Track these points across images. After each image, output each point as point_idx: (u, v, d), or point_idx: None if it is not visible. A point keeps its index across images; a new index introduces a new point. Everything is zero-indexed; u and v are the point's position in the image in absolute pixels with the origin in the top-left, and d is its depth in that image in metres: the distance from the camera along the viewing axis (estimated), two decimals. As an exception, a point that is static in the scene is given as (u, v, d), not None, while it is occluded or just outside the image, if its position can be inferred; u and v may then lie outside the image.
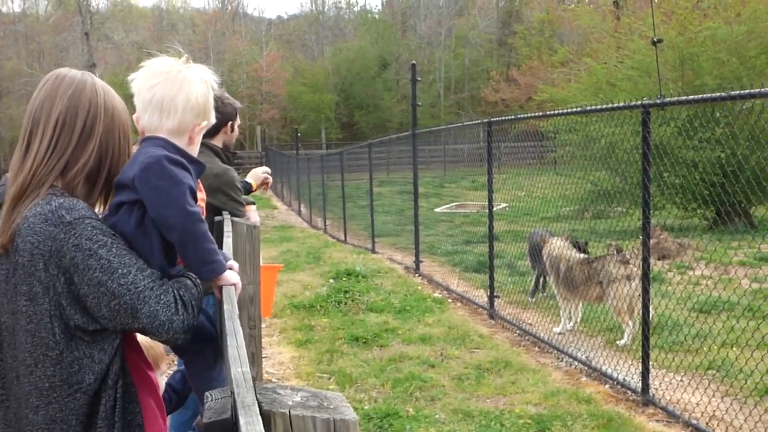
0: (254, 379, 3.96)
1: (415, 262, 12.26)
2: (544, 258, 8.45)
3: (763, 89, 4.90)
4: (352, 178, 21.31)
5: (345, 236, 17.69)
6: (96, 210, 2.08)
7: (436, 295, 10.00)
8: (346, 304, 9.10)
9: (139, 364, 2.09)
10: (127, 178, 2.02)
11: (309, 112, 52.90)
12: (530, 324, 8.39)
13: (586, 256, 8.26)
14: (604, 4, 37.64)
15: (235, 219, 3.89)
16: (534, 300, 9.57)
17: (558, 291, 8.20)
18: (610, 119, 15.03)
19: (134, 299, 1.88)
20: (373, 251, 14.62)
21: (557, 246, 8.41)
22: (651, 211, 6.06)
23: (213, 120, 2.26)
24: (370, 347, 7.40)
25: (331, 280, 10.30)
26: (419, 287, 10.52)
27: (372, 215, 15.42)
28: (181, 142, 2.11)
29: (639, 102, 6.11)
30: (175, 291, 1.97)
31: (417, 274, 11.85)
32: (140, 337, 2.14)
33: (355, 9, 71.65)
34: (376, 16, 66.80)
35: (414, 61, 13.74)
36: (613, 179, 16.97)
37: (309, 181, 25.13)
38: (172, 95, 2.08)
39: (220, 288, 2.18)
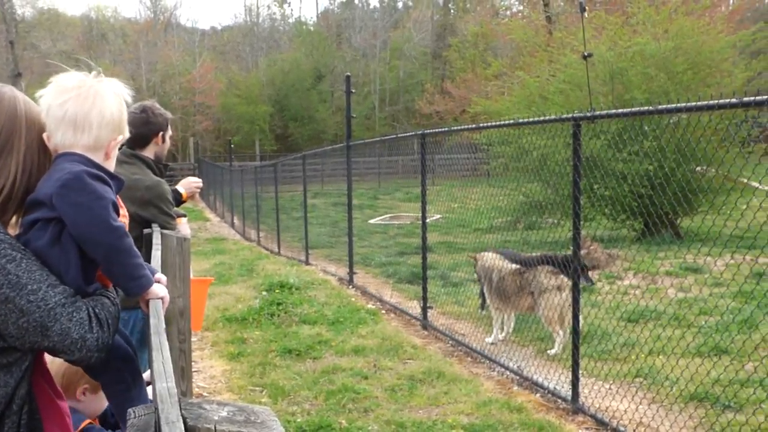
0: (184, 394, 3.90)
1: (348, 273, 12.25)
2: (478, 269, 8.51)
3: (689, 104, 5.04)
4: (287, 190, 21.22)
5: (279, 248, 17.58)
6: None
7: (369, 306, 10.01)
8: (279, 316, 9.04)
9: (46, 391, 2.01)
10: (43, 195, 1.94)
11: (243, 123, 52.52)
12: (463, 334, 8.46)
13: (518, 266, 8.34)
14: (537, 18, 38.25)
15: (165, 232, 3.84)
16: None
17: (491, 301, 8.28)
18: (543, 132, 15.30)
19: (44, 316, 1.81)
20: (307, 263, 14.56)
21: (490, 257, 8.51)
22: (581, 222, 6.18)
23: (127, 134, 2.21)
24: (303, 359, 7.37)
25: (264, 293, 10.21)
26: (353, 299, 10.51)
27: (306, 227, 15.36)
28: (97, 158, 2.06)
29: (570, 115, 6.23)
30: (90, 308, 1.90)
31: (351, 286, 11.84)
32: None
33: (290, 20, 71.55)
34: (311, 27, 66.71)
35: (349, 73, 13.78)
36: (545, 191, 17.22)
37: (242, 193, 24.93)
38: (85, 111, 2.02)
39: (147, 302, 2.14)
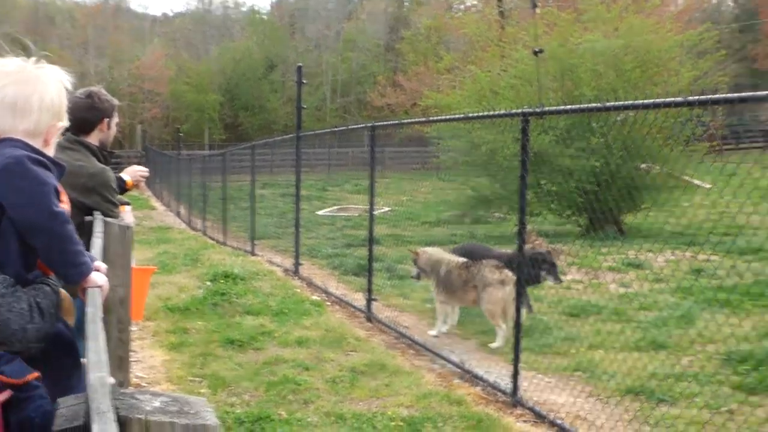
0: (121, 384, 3.87)
1: (294, 264, 12.22)
2: (422, 263, 8.52)
3: (636, 102, 5.14)
4: (235, 180, 21.06)
5: (225, 238, 17.46)
6: None
7: (314, 297, 10.00)
8: (222, 306, 8.98)
9: None
10: None
11: (192, 111, 51.91)
12: (407, 327, 8.50)
13: (464, 260, 8.40)
14: (490, 13, 38.46)
15: (108, 219, 3.79)
16: (533, 314, 9.07)
17: (436, 294, 8.33)
18: (492, 126, 15.47)
19: None
20: (253, 253, 14.49)
21: (436, 251, 8.59)
22: (527, 217, 6.26)
23: (67, 121, 2.19)
24: (246, 350, 7.33)
25: (209, 283, 10.14)
26: (298, 290, 10.49)
27: (253, 217, 15.28)
28: (36, 144, 2.03)
29: (519, 110, 6.29)
30: (31, 298, 1.88)
31: (296, 277, 11.81)
32: None
33: (243, 9, 70.82)
34: (265, 17, 66.15)
35: (300, 64, 13.73)
36: (493, 185, 17.37)
37: (190, 182, 24.69)
38: (26, 95, 1.99)
39: (84, 290, 2.12)
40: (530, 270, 8.28)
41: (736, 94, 4.30)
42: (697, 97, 4.61)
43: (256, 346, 7.43)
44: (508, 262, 7.85)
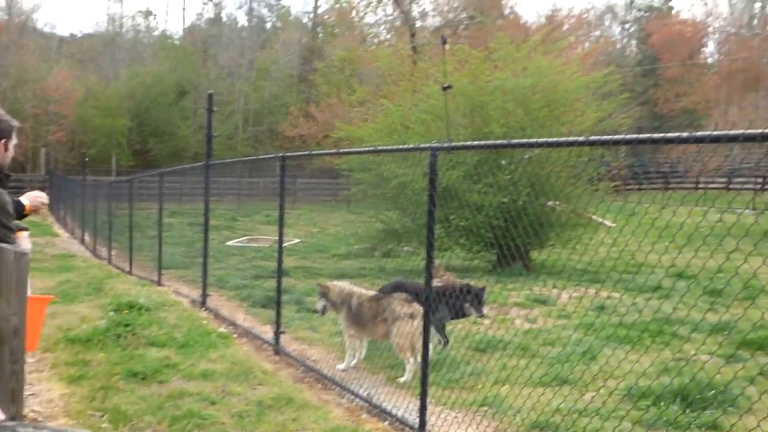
0: (14, 418, 3.70)
1: (202, 295, 11.99)
2: (333, 297, 8.43)
3: (540, 140, 5.26)
4: (142, 207, 20.61)
5: (130, 267, 17.03)
6: None
7: (221, 330, 9.82)
8: (126, 338, 8.71)
9: None
10: None
11: (100, 136, 50.80)
12: (315, 360, 8.42)
13: (375, 293, 8.39)
14: (403, 48, 39.05)
15: (2, 245, 3.64)
16: (447, 348, 9.02)
17: (346, 327, 8.27)
18: (403, 160, 15.59)
19: None
20: (159, 284, 14.16)
21: (346, 285, 8.55)
22: (434, 252, 6.29)
23: None
24: (149, 383, 7.12)
25: (112, 313, 9.83)
26: (204, 321, 10.29)
27: (160, 246, 14.96)
28: None
29: (428, 144, 6.34)
30: None
31: (203, 308, 11.59)
32: None
33: (155, 33, 70.00)
34: (177, 42, 65.54)
35: (211, 91, 13.57)
36: (403, 219, 17.47)
37: (95, 209, 24.05)
38: None
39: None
40: (455, 303, 8.36)
41: (633, 135, 4.43)
42: (598, 137, 4.74)
43: (160, 379, 7.23)
44: (438, 295, 7.91)
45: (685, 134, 4.03)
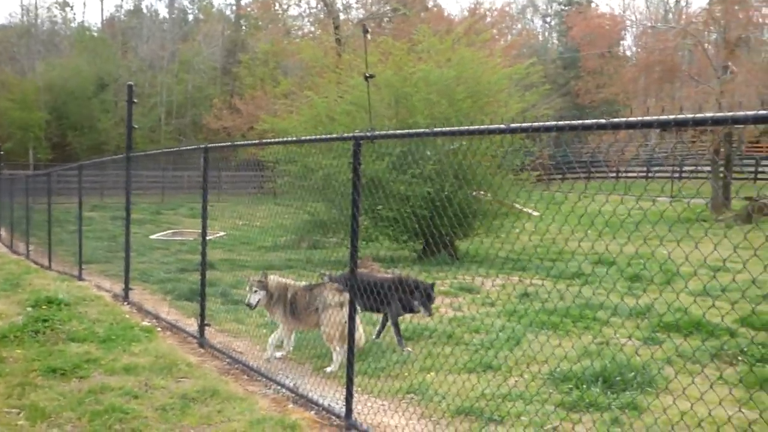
0: None
1: (124, 289, 11.76)
2: (273, 289, 8.28)
3: (461, 128, 5.29)
4: (62, 202, 20.10)
5: (50, 263, 16.59)
6: None
7: (145, 323, 9.64)
8: (44, 333, 8.48)
9: None
10: None
11: (15, 129, 49.28)
12: (241, 352, 8.34)
13: (308, 284, 8.33)
14: (327, 40, 38.93)
15: None
16: (379, 340, 8.87)
17: (282, 318, 8.15)
18: (329, 151, 15.54)
19: None
20: (80, 278, 13.83)
21: (280, 278, 8.48)
22: (362, 243, 6.29)
23: None
24: (69, 379, 6.95)
25: (30, 309, 9.56)
26: (127, 315, 10.09)
27: (80, 240, 14.60)
28: None
29: (351, 134, 6.33)
30: None
31: (126, 302, 11.37)
32: None
33: (72, 25, 68.18)
34: (95, 33, 63.98)
35: (131, 82, 13.28)
36: (330, 210, 17.44)
37: (12, 204, 23.35)
38: None
39: None
40: (404, 297, 8.34)
41: (552, 123, 4.50)
42: (519, 125, 4.79)
43: (80, 375, 7.06)
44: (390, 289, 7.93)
45: (603, 120, 4.11)
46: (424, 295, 8.42)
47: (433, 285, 8.70)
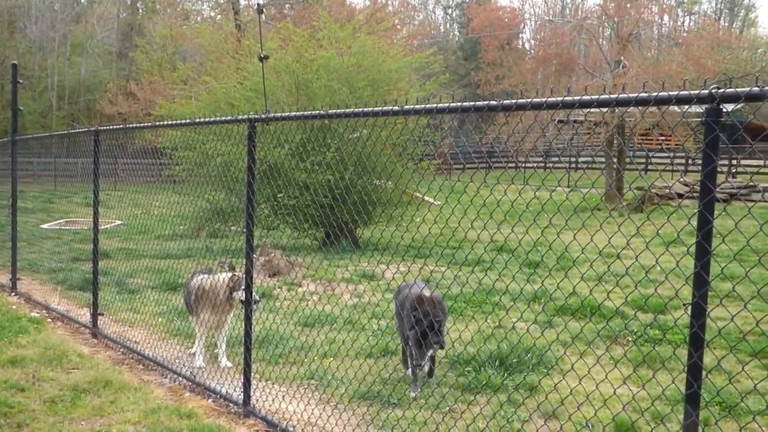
0: None
1: (11, 280, 11.27)
2: (206, 288, 7.86)
3: (356, 110, 5.26)
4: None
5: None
6: None
7: (33, 314, 9.27)
8: None
9: None
10: None
11: None
12: (136, 342, 8.10)
13: (230, 274, 8.05)
14: (227, 25, 38.29)
15: None
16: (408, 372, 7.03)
17: (194, 310, 7.78)
18: (228, 138, 15.25)
19: None
20: (-39, 270, 13.21)
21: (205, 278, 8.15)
22: (264, 231, 6.15)
23: None
24: (-51, 373, 6.61)
25: None
26: (14, 307, 9.68)
27: (-39, 230, 13.92)
28: None
29: (246, 116, 6.22)
30: None
31: (13, 293, 10.91)
32: None
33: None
34: (-20, 13, 61.13)
35: (15, 61, 12.70)
36: (230, 198, 17.16)
37: None
38: None
39: None
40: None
41: (445, 104, 4.50)
42: (412, 107, 4.78)
43: (-40, 369, 6.71)
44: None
45: (508, 101, 4.12)
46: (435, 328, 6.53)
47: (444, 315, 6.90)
